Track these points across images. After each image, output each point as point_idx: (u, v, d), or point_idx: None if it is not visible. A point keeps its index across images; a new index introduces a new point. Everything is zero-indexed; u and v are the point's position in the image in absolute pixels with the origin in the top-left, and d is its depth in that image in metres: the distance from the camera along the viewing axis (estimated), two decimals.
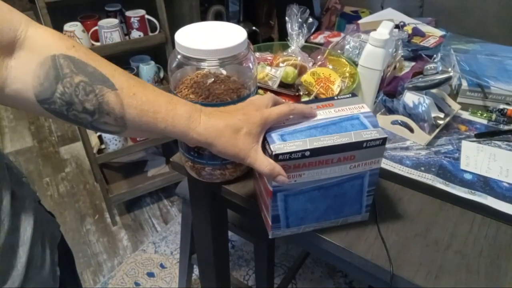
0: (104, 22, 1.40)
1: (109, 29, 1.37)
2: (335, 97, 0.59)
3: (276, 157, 0.49)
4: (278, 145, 0.50)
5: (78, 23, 1.40)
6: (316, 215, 0.58)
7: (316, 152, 0.50)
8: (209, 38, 0.58)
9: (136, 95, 0.44)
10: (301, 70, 0.80)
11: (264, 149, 0.52)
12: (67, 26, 1.37)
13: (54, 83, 0.42)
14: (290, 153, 0.50)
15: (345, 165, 0.53)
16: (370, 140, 0.51)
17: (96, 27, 1.39)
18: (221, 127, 0.47)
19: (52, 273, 0.56)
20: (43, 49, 0.42)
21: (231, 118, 0.49)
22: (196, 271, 1.50)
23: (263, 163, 0.49)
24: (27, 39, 0.42)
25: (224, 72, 0.60)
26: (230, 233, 1.33)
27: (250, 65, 0.61)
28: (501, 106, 0.85)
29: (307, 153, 0.50)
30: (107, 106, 0.43)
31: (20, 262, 0.48)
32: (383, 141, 0.52)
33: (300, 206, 0.56)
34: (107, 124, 0.45)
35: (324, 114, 0.55)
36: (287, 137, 0.51)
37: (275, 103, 0.55)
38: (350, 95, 0.59)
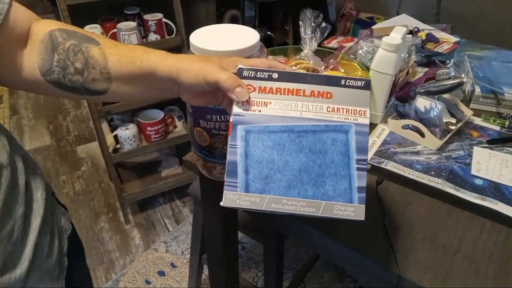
0: (123, 25, 1.43)
1: (127, 32, 1.41)
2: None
3: (240, 72, 0.46)
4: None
5: (98, 26, 1.44)
6: (286, 178, 0.45)
7: (285, 75, 0.46)
8: (222, 40, 0.59)
9: (117, 46, 0.50)
10: None
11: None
12: (87, 28, 1.41)
13: (51, 54, 0.48)
14: (256, 70, 0.46)
15: (320, 104, 0.46)
16: (350, 79, 0.46)
17: (114, 30, 1.43)
18: (193, 57, 0.48)
19: (59, 263, 0.58)
20: (43, 30, 0.49)
21: (206, 56, 0.50)
22: (206, 271, 1.52)
23: (223, 75, 0.44)
24: (34, 29, 0.49)
25: None
26: (240, 235, 1.34)
27: None
28: None
29: (275, 75, 0.46)
30: (92, 59, 0.48)
31: (27, 249, 0.50)
32: (366, 83, 0.47)
33: (265, 153, 0.45)
34: (95, 80, 0.49)
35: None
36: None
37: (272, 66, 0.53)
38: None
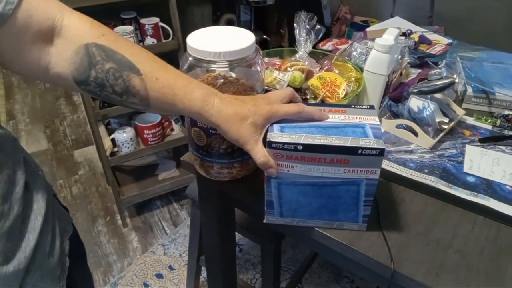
0: (119, 29, 1.45)
1: (124, 36, 1.42)
2: (352, 105, 0.59)
3: (269, 144, 0.52)
4: (274, 134, 0.53)
5: None
6: (309, 211, 0.60)
7: (308, 148, 0.52)
8: (219, 41, 0.61)
9: (158, 79, 0.50)
10: (308, 75, 0.83)
11: (265, 137, 0.55)
12: None
13: (88, 69, 0.48)
14: (283, 143, 0.52)
15: (338, 168, 0.54)
16: (366, 148, 0.51)
17: None
18: (230, 113, 0.52)
19: (60, 263, 0.59)
20: (77, 38, 0.47)
21: (242, 106, 0.53)
22: (204, 273, 1.52)
23: (259, 153, 0.53)
24: (63, 28, 0.47)
25: (233, 74, 0.63)
26: (238, 237, 1.35)
27: (258, 68, 0.64)
28: (506, 112, 0.86)
29: (300, 147, 0.52)
30: (133, 89, 0.49)
31: (28, 246, 0.51)
32: (381, 151, 0.51)
33: (293, 197, 0.58)
34: (133, 103, 0.51)
35: (332, 118, 0.57)
36: (286, 130, 0.54)
37: (292, 99, 0.59)
38: (368, 106, 0.59)
